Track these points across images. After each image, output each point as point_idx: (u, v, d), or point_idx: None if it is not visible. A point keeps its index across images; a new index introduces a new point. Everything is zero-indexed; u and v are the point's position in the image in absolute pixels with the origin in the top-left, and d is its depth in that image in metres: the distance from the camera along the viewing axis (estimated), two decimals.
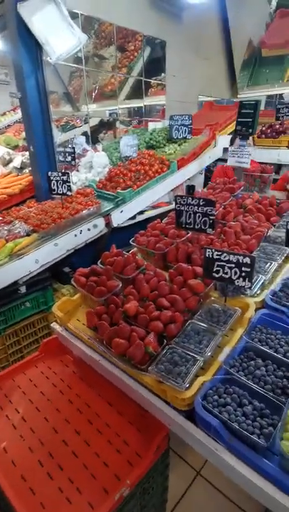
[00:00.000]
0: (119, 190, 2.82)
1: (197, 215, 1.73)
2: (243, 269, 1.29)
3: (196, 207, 1.71)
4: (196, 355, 1.14)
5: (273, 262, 1.60)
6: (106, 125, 6.27)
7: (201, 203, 1.68)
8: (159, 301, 1.40)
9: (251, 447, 0.93)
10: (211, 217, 1.68)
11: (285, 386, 1.05)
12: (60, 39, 2.76)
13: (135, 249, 1.92)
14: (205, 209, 1.68)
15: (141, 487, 1.15)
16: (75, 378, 1.56)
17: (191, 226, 1.79)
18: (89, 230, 2.58)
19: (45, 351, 1.71)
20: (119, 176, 2.96)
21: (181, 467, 2.12)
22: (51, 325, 1.66)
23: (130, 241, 1.91)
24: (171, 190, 3.32)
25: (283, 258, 1.65)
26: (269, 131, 4.06)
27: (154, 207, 3.27)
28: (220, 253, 1.32)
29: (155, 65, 4.78)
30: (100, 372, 1.43)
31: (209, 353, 1.15)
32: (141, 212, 3.07)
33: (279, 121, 4.11)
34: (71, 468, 1.15)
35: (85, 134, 4.20)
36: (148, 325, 1.30)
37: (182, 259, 1.69)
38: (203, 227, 1.74)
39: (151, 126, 3.99)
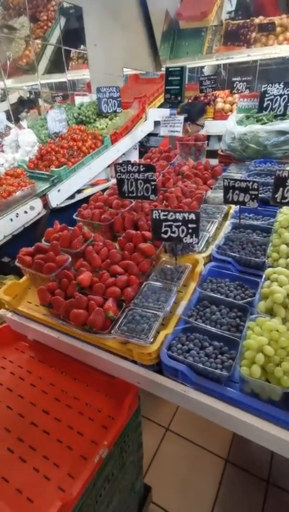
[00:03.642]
0: (53, 169, 2.66)
1: (139, 182, 1.73)
2: (189, 225, 1.34)
3: (136, 174, 1.70)
4: (156, 312, 1.17)
5: (215, 220, 1.70)
6: (27, 103, 5.77)
7: (142, 169, 1.68)
8: (112, 269, 1.39)
9: (216, 381, 1.01)
10: (152, 183, 1.70)
11: (238, 324, 1.15)
12: None
13: (80, 223, 1.85)
14: (146, 175, 1.68)
15: (118, 446, 1.18)
16: (34, 362, 1.49)
17: (134, 194, 1.78)
18: (26, 212, 2.40)
19: None
20: (51, 153, 2.78)
21: (152, 427, 2.22)
22: None
23: (74, 216, 1.84)
24: (108, 166, 3.26)
25: (223, 216, 1.76)
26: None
27: (92, 184, 3.19)
28: (166, 213, 1.35)
29: (74, 36, 4.51)
30: (61, 350, 1.38)
31: (168, 308, 1.20)
32: (79, 191, 2.97)
33: (203, 94, 4.28)
34: (45, 446, 1.12)
35: (6, 112, 3.83)
36: (104, 293, 1.29)
37: (129, 227, 1.69)
38: (145, 194, 1.75)
39: (78, 100, 3.79)
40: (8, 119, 3.50)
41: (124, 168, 1.71)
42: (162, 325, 1.20)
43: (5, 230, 2.25)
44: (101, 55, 4.71)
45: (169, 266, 1.44)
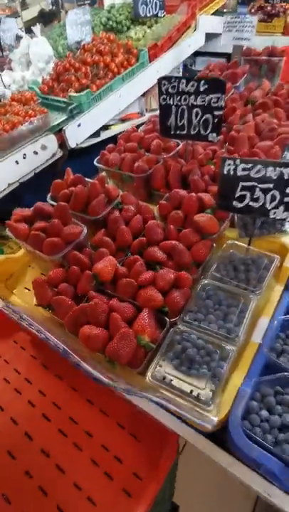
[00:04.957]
0: (72, 94, 2.01)
1: (194, 111, 1.10)
2: (287, 191, 0.77)
3: (193, 96, 1.07)
4: (222, 342, 0.68)
5: None
6: (47, 16, 4.94)
7: (202, 88, 1.04)
8: (149, 253, 0.88)
9: None
10: (216, 114, 1.07)
11: None
12: None
13: (103, 173, 1.30)
14: (208, 98, 1.05)
15: None
16: (36, 366, 1.10)
17: (184, 132, 1.17)
18: (36, 153, 1.86)
19: None
20: (70, 71, 2.11)
21: None
22: None
23: (95, 161, 1.28)
24: (143, 94, 2.52)
25: None
26: (260, 13, 3.13)
27: (122, 120, 2.52)
28: (249, 166, 0.77)
29: None
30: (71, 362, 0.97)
31: (243, 336, 0.70)
32: (105, 128, 2.34)
33: (269, 3, 3.18)
34: None
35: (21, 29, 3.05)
36: (136, 295, 0.80)
37: (175, 183, 1.13)
38: (202, 131, 1.14)
39: (107, 1, 2.89)
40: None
41: (173, 87, 1.08)
42: None
43: (9, 175, 1.75)
44: None
45: (238, 253, 0.90)
